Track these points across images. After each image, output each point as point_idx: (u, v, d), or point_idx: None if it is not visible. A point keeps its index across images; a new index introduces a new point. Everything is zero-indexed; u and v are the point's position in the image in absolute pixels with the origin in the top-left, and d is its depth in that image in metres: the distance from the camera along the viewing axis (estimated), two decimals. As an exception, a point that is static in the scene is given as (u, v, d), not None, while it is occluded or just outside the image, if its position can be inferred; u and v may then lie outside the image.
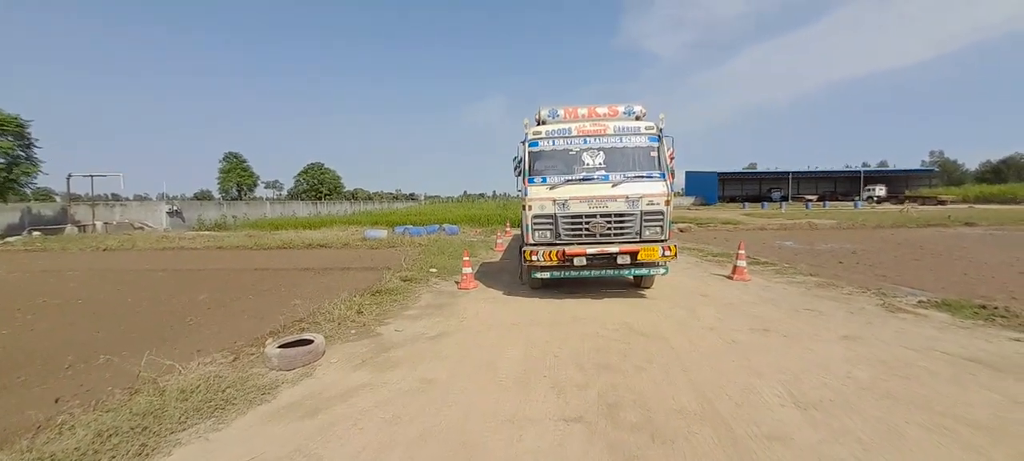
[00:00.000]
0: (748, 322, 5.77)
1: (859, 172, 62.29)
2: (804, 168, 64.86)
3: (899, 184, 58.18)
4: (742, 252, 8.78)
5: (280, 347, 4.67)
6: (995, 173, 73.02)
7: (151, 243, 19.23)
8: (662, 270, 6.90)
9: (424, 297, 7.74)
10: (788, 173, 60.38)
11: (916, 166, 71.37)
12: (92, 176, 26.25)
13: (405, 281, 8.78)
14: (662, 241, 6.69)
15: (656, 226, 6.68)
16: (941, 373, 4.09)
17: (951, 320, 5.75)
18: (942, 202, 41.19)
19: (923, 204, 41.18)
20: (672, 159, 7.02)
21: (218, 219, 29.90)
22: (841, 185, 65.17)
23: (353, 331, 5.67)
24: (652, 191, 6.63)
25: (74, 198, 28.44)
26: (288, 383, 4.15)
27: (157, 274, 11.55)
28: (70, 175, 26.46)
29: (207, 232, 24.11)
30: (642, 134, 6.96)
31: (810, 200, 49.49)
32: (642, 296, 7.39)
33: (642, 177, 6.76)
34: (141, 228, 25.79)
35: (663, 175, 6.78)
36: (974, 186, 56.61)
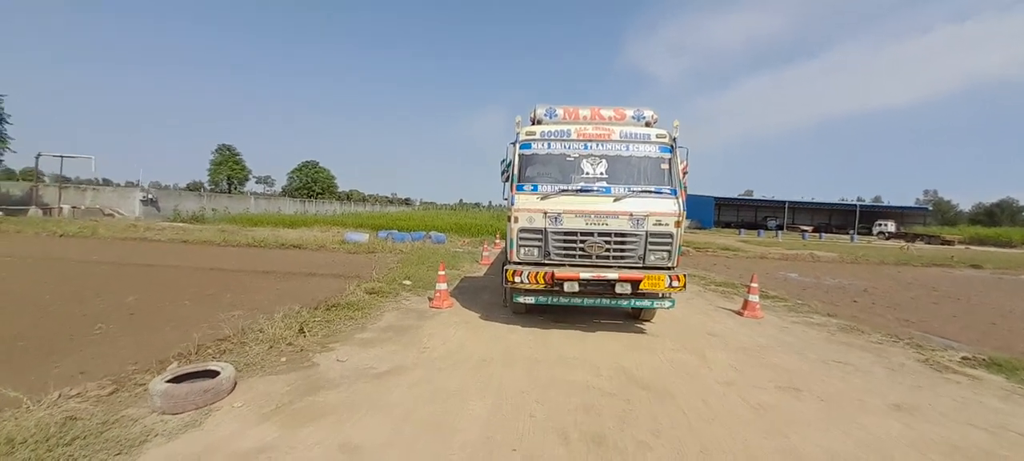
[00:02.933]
0: (772, 376, 4.73)
1: (855, 206, 62.00)
2: (800, 198, 64.52)
3: (895, 220, 57.95)
4: (755, 286, 7.75)
5: (170, 381, 3.55)
6: (988, 215, 73.28)
7: (114, 231, 17.93)
8: (668, 304, 5.84)
9: (387, 315, 6.62)
10: (784, 202, 59.96)
11: (910, 203, 71.43)
12: (62, 157, 24.87)
13: (371, 294, 7.66)
14: (669, 269, 5.66)
15: (663, 251, 5.64)
16: (1040, 473, 3.06)
17: (1010, 385, 4.79)
18: (948, 242, 40.59)
19: (928, 243, 40.63)
20: (685, 174, 6.02)
21: (196, 211, 28.48)
22: (836, 217, 64.83)
23: (283, 358, 4.54)
24: (661, 209, 5.60)
25: (63, 180, 26.81)
26: (162, 435, 3.03)
27: (101, 267, 10.34)
28: (39, 154, 25.09)
29: (180, 224, 22.78)
30: (652, 142, 5.95)
31: (806, 230, 48.92)
32: (642, 331, 6.32)
33: (650, 192, 5.74)
34: (111, 215, 24.38)
35: (674, 191, 5.77)
36: (969, 227, 56.43)
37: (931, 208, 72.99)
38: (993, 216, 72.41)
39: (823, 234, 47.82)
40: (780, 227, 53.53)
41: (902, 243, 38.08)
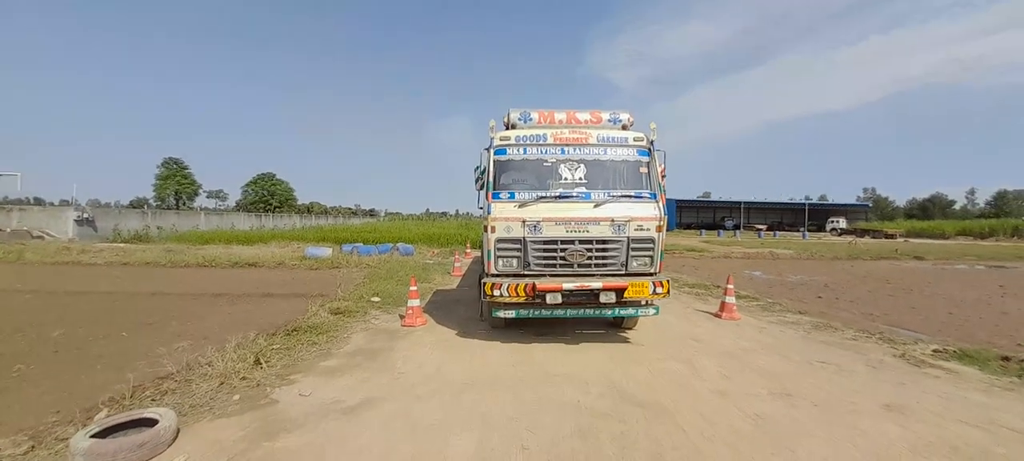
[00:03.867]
0: (762, 382, 4.61)
1: (804, 204, 65.56)
2: (753, 198, 67.54)
3: (840, 216, 61.59)
4: (731, 288, 7.76)
5: (97, 435, 3.00)
6: (922, 209, 79.46)
7: (44, 255, 16.27)
8: (652, 311, 5.66)
9: (355, 337, 6.13)
10: (740, 203, 62.54)
11: (852, 201, 76.27)
12: (-17, 175, 22.49)
13: (336, 314, 7.12)
14: (652, 275, 5.49)
15: (646, 256, 5.48)
16: (1040, 471, 3.02)
17: (986, 378, 4.89)
18: (891, 236, 43.60)
19: (874, 237, 43.38)
20: (663, 177, 5.90)
21: (140, 230, 26.41)
22: (787, 216, 68.23)
23: (236, 396, 4.00)
24: (642, 214, 5.44)
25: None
26: (83, 509, 2.50)
27: (23, 297, 9.19)
28: (-44, 173, 22.58)
29: (121, 244, 21.01)
30: (630, 146, 5.80)
31: (761, 229, 51.14)
32: (626, 339, 6.13)
33: (630, 196, 5.57)
34: (41, 237, 22.22)
35: (654, 195, 5.63)
36: (905, 221, 60.82)
37: (871, 204, 78.20)
38: (926, 210, 78.56)
39: (777, 232, 50.12)
40: (737, 227, 55.75)
41: (851, 238, 40.39)
